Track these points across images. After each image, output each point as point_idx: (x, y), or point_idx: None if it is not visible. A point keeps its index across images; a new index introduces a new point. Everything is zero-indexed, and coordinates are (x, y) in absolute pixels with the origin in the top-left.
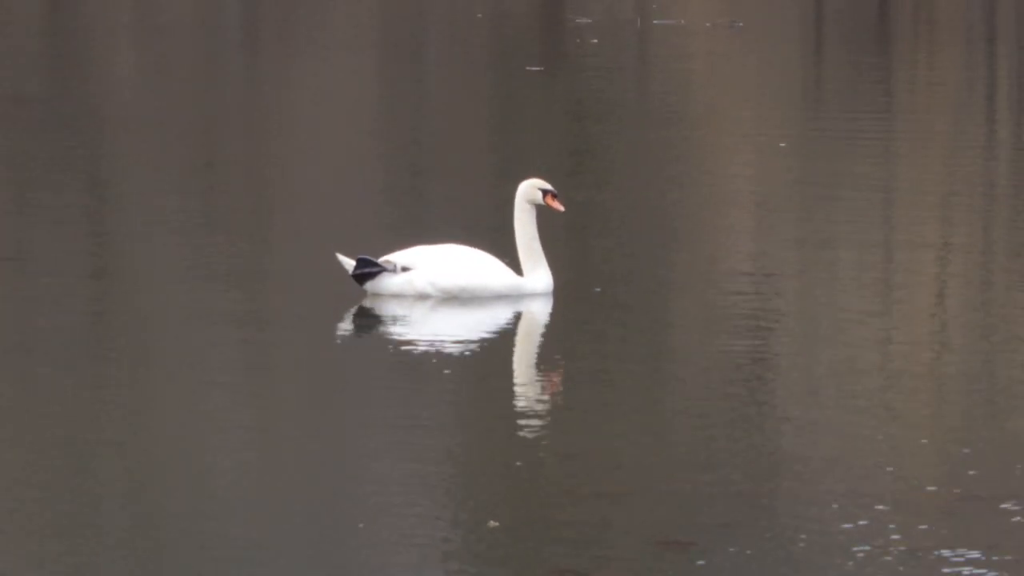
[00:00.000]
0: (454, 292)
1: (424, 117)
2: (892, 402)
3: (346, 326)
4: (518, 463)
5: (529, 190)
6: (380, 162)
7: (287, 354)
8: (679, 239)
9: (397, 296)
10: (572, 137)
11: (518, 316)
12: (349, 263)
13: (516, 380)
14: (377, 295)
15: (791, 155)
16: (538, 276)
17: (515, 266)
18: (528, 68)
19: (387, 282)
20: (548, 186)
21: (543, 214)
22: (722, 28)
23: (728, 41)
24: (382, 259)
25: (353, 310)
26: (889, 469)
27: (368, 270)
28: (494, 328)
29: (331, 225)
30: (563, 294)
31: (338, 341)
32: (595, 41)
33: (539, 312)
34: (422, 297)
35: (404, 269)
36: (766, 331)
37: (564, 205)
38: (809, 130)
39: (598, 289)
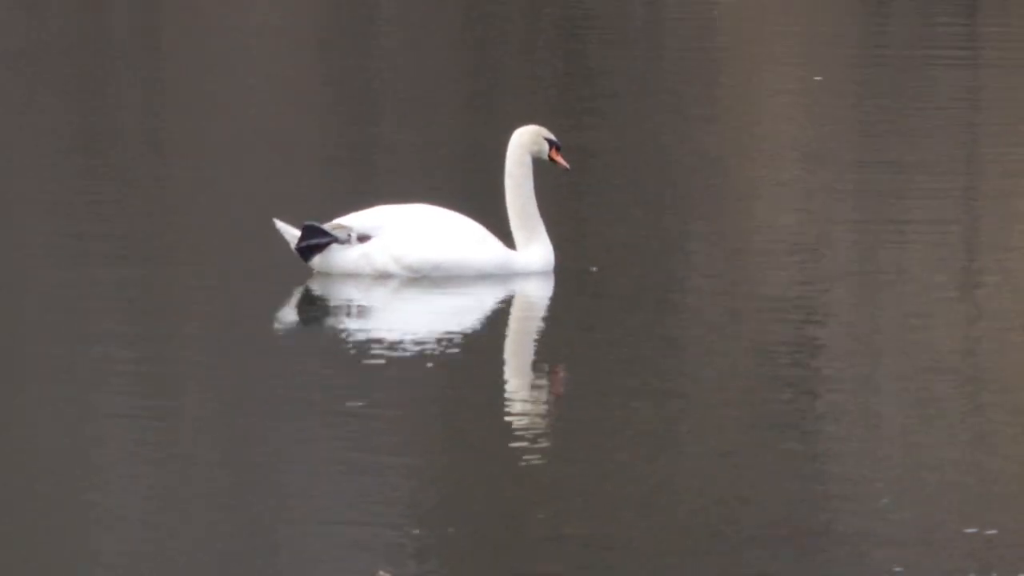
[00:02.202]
0: (425, 270)
1: (383, 47)
2: (970, 461)
3: (287, 316)
4: (492, 495)
5: (533, 138)
6: (331, 106)
7: (215, 353)
8: (700, 201)
9: (352, 275)
10: (564, 65)
11: (508, 302)
12: (292, 232)
13: (501, 388)
14: (326, 274)
15: (836, 94)
16: (535, 250)
17: (505, 236)
18: None
19: (339, 256)
20: (552, 136)
21: (537, 170)
22: None
23: None
24: (331, 224)
25: (296, 295)
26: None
27: (315, 240)
28: (477, 318)
29: (269, 186)
30: (562, 274)
31: (277, 336)
32: None
33: (535, 297)
34: (383, 276)
35: (361, 238)
36: (808, 328)
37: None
38: (860, 62)
39: (594, 268)
